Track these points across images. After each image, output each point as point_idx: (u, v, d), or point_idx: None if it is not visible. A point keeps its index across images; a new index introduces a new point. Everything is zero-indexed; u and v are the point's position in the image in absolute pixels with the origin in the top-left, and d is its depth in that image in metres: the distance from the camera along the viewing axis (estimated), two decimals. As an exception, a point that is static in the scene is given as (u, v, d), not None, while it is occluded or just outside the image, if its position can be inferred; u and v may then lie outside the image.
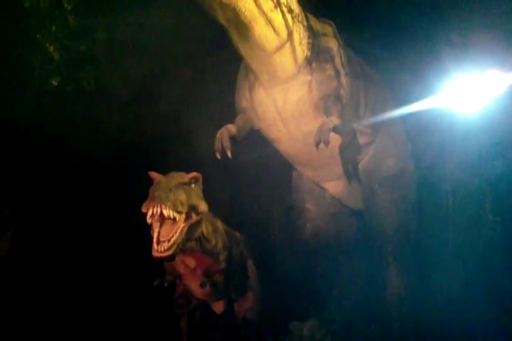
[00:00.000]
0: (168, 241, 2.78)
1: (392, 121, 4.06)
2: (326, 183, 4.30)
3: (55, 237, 4.10)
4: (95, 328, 3.86)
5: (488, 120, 3.97)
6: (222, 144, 3.56)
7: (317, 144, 3.34)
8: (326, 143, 3.33)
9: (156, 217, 2.77)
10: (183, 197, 2.82)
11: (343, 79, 3.64)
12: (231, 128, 3.68)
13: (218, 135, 3.63)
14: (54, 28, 3.93)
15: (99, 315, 3.93)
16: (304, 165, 4.20)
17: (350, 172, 4.12)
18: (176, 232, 2.81)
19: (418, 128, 4.22)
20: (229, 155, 3.56)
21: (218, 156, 3.58)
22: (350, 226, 4.47)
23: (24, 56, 3.88)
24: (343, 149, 3.87)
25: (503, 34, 3.69)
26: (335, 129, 3.39)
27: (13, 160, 3.94)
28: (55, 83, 4.02)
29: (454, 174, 4.29)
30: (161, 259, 2.83)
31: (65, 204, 4.15)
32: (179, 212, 2.78)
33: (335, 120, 3.41)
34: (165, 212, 2.70)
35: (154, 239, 2.79)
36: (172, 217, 2.75)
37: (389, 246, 4.04)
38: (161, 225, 2.81)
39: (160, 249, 2.76)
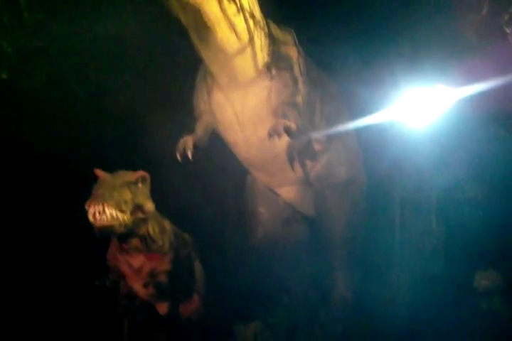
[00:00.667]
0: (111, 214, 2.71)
1: (346, 132, 4.16)
2: (280, 188, 4.35)
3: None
4: (37, 328, 3.76)
5: (437, 133, 4.12)
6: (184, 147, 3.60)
7: (270, 135, 3.40)
8: (279, 135, 3.39)
9: (98, 216, 2.71)
10: (128, 196, 2.80)
11: (301, 87, 3.72)
12: (192, 137, 3.72)
13: (181, 141, 3.67)
14: (7, 21, 3.84)
15: (43, 315, 3.83)
16: (258, 170, 4.25)
17: (302, 178, 4.17)
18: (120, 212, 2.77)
19: (371, 139, 4.33)
20: (190, 156, 3.59)
21: (179, 158, 3.60)
22: (301, 232, 4.52)
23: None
24: (293, 154, 3.92)
25: (452, 50, 3.85)
26: (288, 131, 3.44)
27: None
28: (4, 76, 3.91)
29: (404, 185, 4.42)
30: (103, 229, 2.75)
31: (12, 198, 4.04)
32: (122, 211, 2.75)
33: (289, 122, 3.48)
34: (107, 211, 2.67)
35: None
36: (115, 215, 2.72)
37: (337, 252, 4.12)
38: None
39: (101, 218, 2.68)
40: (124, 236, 2.98)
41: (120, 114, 4.16)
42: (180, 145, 3.65)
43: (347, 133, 4.21)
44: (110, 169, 2.99)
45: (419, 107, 3.86)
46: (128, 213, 2.79)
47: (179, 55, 3.97)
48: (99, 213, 2.68)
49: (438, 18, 3.78)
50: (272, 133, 3.40)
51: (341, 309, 3.97)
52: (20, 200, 4.05)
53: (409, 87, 3.76)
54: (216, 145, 4.04)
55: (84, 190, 2.87)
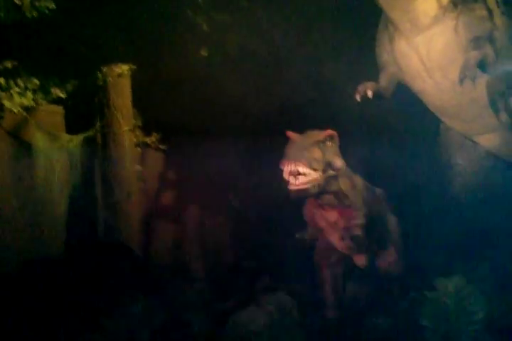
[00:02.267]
0: (306, 175, 2.90)
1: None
2: (479, 136, 3.99)
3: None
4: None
5: None
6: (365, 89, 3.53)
7: (461, 80, 3.15)
8: (472, 79, 3.12)
9: (293, 174, 2.92)
10: (318, 154, 2.94)
11: (498, 20, 3.32)
12: (372, 84, 3.63)
13: (362, 84, 3.60)
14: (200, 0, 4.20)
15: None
16: (452, 117, 3.95)
17: (507, 123, 3.75)
18: (312, 177, 2.94)
19: None
20: (369, 94, 3.51)
21: (358, 98, 3.56)
22: (507, 181, 4.10)
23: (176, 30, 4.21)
24: (495, 97, 3.53)
25: None
26: (482, 65, 3.13)
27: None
28: (204, 53, 4.31)
29: None
30: (297, 193, 2.96)
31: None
32: (315, 169, 2.89)
33: (482, 52, 3.17)
34: (300, 169, 2.85)
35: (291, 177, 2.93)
36: (308, 173, 2.88)
37: None
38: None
39: (296, 182, 2.91)
40: (318, 194, 3.13)
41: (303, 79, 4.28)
42: (361, 87, 3.58)
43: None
44: (300, 130, 3.14)
45: None
46: (320, 171, 2.91)
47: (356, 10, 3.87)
48: (294, 175, 2.86)
49: None
50: (463, 73, 3.12)
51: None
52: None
53: None
54: (400, 94, 3.88)
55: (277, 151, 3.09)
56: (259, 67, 4.40)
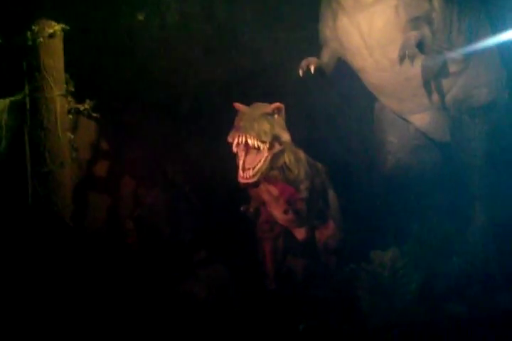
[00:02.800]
0: (253, 168, 2.93)
1: (486, 48, 3.79)
2: (412, 115, 4.16)
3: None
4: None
5: None
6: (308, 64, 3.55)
7: (401, 60, 3.24)
8: (411, 58, 3.21)
9: (241, 147, 2.90)
10: (266, 126, 2.91)
11: (435, 1, 3.44)
12: (315, 59, 3.64)
13: (305, 59, 3.61)
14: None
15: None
16: (388, 96, 4.08)
17: (437, 103, 3.95)
18: (260, 161, 2.94)
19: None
20: (312, 70, 3.52)
21: (300, 73, 3.56)
22: (434, 160, 4.35)
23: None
24: (429, 77, 3.70)
25: None
26: (421, 46, 3.23)
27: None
28: (141, 18, 4.10)
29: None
30: (247, 185, 2.99)
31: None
32: (263, 142, 2.88)
33: (421, 33, 3.27)
34: (249, 141, 2.83)
35: (240, 167, 2.93)
36: (256, 146, 2.87)
37: (476, 179, 3.93)
38: (246, 154, 2.95)
39: (245, 176, 2.92)
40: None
41: (245, 51, 4.21)
42: (304, 62, 3.59)
43: (487, 50, 3.84)
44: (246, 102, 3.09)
45: None
46: (267, 143, 2.90)
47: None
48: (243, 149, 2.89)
49: None
50: (403, 52, 3.21)
51: (480, 242, 3.83)
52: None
53: None
54: (340, 74, 3.94)
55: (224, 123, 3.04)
56: (198, 34, 4.26)
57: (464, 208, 4.06)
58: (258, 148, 2.91)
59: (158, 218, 4.13)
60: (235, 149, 2.92)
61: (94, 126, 4.10)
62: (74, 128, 3.82)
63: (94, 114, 3.89)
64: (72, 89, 3.66)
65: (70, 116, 3.70)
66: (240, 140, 2.83)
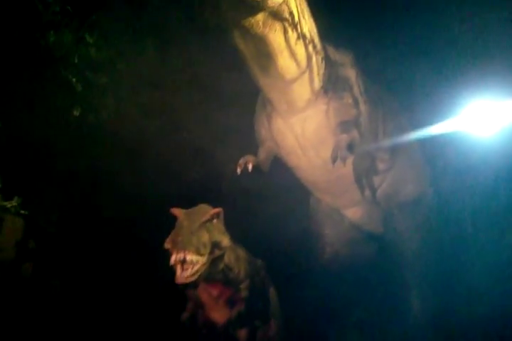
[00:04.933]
0: (192, 268, 2.83)
1: (409, 147, 4.10)
2: (346, 209, 4.32)
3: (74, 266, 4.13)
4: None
5: (504, 144, 3.99)
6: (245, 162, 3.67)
7: (333, 161, 3.39)
8: (343, 159, 3.37)
9: (179, 263, 2.82)
10: (205, 237, 2.88)
11: (362, 107, 3.71)
12: (253, 158, 3.77)
13: (243, 158, 3.73)
14: (76, 60, 4.06)
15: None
16: (323, 192, 4.24)
17: (369, 198, 4.13)
18: (198, 263, 2.85)
19: (435, 152, 4.25)
20: (249, 168, 3.63)
21: (238, 170, 3.66)
22: (369, 251, 4.46)
23: (47, 88, 3.98)
24: (361, 174, 3.90)
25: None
26: (351, 147, 3.42)
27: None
28: (76, 113, 4.12)
29: (472, 198, 4.29)
30: (185, 285, 2.87)
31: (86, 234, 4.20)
32: (201, 255, 2.83)
33: (351, 136, 3.46)
34: (188, 258, 2.78)
35: (178, 266, 2.83)
36: (195, 261, 2.82)
37: (410, 270, 4.04)
38: (182, 265, 2.86)
39: (184, 275, 2.81)
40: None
41: (186, 147, 4.28)
42: (242, 160, 3.70)
43: (411, 149, 4.15)
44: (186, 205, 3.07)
45: (485, 117, 3.76)
46: (206, 255, 2.85)
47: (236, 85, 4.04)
48: (181, 266, 2.80)
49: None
50: (335, 153, 3.39)
51: (420, 331, 3.86)
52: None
53: (475, 98, 3.67)
54: (276, 167, 4.07)
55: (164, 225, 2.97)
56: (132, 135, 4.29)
57: (401, 298, 4.13)
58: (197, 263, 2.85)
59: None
60: (172, 262, 2.81)
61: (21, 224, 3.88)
62: (-1, 226, 3.60)
63: (23, 212, 3.72)
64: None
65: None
66: (178, 256, 2.76)
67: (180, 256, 2.75)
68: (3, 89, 3.68)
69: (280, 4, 2.87)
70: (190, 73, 4.10)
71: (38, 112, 3.98)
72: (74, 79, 4.08)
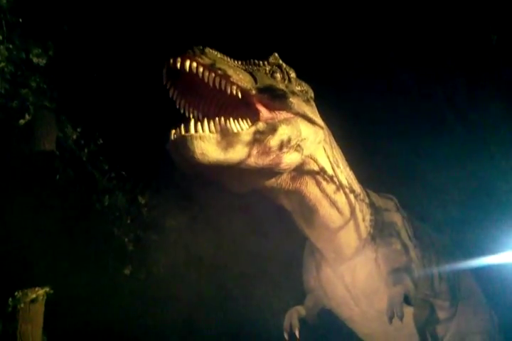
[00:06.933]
0: None
1: (470, 292, 3.83)
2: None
3: None
4: None
5: None
6: (290, 324, 3.48)
7: (390, 319, 3.15)
8: (400, 317, 3.13)
9: None
10: None
11: (412, 253, 3.58)
12: (300, 309, 3.62)
13: (287, 316, 3.57)
14: (129, 221, 4.27)
15: None
16: (380, 342, 3.90)
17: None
18: None
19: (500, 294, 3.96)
20: (296, 334, 3.44)
21: (286, 336, 3.46)
22: None
23: (100, 249, 4.14)
24: (421, 326, 3.61)
25: None
26: (406, 300, 3.21)
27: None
28: (127, 272, 4.19)
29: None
30: None
31: None
32: None
33: (405, 287, 3.27)
34: None
35: None
36: None
37: None
38: None
39: None
40: None
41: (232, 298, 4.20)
42: (286, 321, 3.53)
43: (471, 294, 3.87)
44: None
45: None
46: None
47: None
48: None
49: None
50: (391, 311, 3.17)
51: None
52: None
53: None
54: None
55: None
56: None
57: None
58: None
59: None
60: None
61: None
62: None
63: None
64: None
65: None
66: None
67: None
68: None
69: (301, 163, 2.95)
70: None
71: (89, 272, 4.07)
72: (126, 239, 4.25)
